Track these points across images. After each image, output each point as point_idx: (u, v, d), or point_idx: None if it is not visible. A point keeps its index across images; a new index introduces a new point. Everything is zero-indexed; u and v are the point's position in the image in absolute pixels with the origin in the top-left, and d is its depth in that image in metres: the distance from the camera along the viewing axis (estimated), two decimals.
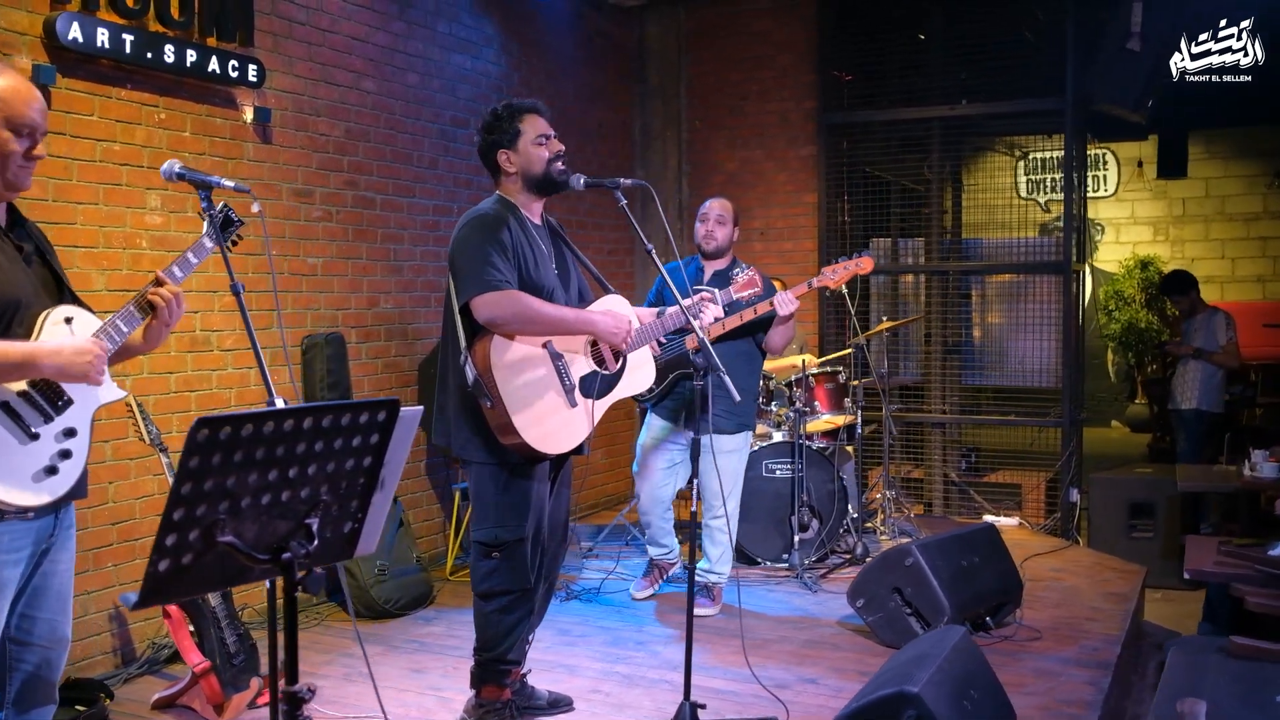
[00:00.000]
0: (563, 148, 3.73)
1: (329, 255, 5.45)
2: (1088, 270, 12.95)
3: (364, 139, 5.68)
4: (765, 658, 4.63)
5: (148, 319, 2.94)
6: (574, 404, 3.60)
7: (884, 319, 6.78)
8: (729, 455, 5.25)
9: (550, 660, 4.60)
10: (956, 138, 7.65)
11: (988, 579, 4.87)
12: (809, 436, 6.41)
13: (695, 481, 3.69)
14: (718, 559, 5.37)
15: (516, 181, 3.69)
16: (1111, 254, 14.24)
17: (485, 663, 3.73)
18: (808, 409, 6.14)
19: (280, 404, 2.63)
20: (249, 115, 4.96)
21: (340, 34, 5.50)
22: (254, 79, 4.85)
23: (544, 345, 3.56)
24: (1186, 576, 4.42)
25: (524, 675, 4.03)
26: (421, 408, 2.50)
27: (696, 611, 5.17)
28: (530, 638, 3.93)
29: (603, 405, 3.70)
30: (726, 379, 3.54)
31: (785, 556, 5.98)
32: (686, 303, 3.84)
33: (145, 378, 4.55)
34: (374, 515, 2.46)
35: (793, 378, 6.29)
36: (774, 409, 6.18)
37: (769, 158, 8.09)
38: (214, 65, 4.66)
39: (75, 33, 4.13)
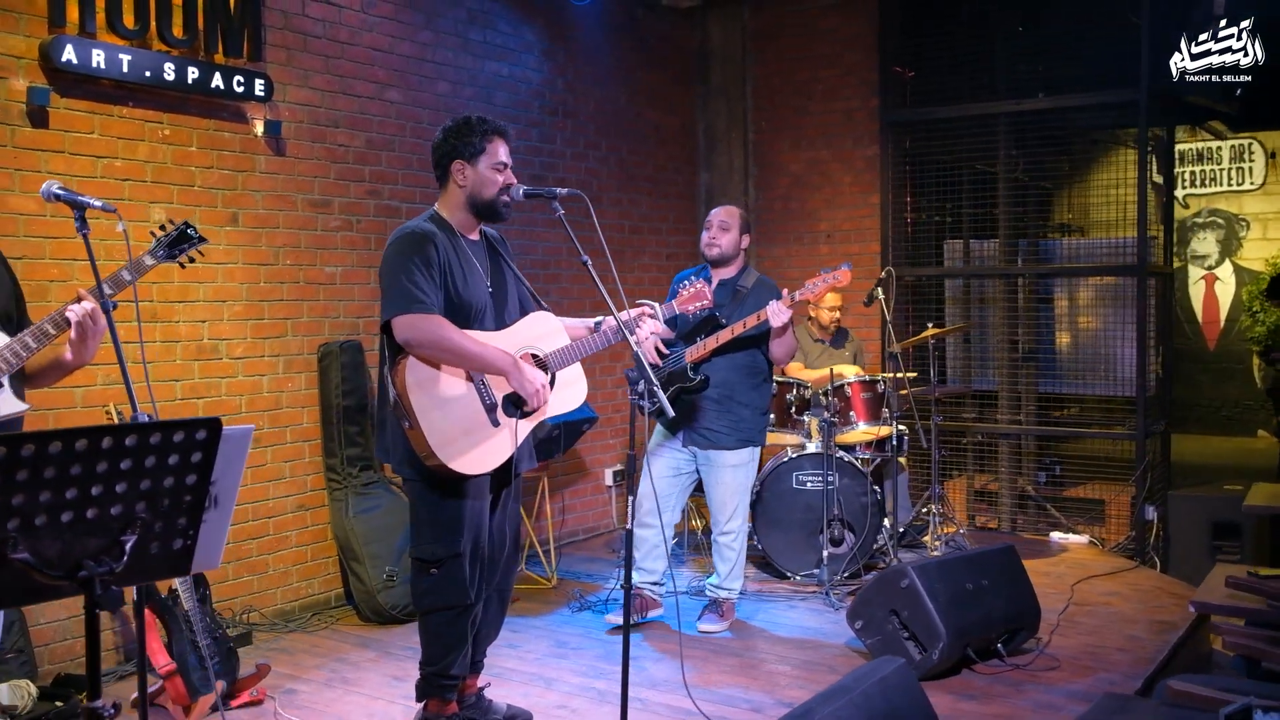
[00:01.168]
0: (514, 182, 3.68)
1: (349, 264, 5.54)
2: (1226, 269, 12.17)
3: (387, 148, 5.75)
4: (751, 680, 4.49)
5: (64, 335, 3.01)
6: (496, 424, 3.56)
7: (929, 325, 6.50)
8: (733, 471, 5.11)
9: (532, 672, 4.56)
10: (1030, 132, 7.25)
11: (997, 603, 4.60)
12: (849, 448, 6.21)
13: (631, 499, 3.58)
14: (726, 575, 5.23)
15: (459, 197, 3.66)
16: (1258, 251, 13.32)
17: (429, 676, 3.71)
18: (836, 418, 5.94)
19: (144, 418, 2.66)
20: (259, 129, 5.08)
21: (361, 46, 5.58)
22: (261, 93, 4.96)
23: None
24: (1191, 610, 4.07)
25: (482, 688, 4.00)
26: (253, 426, 2.48)
27: (704, 628, 5.10)
28: (481, 650, 3.91)
29: (527, 425, 3.64)
30: (660, 393, 3.44)
31: (815, 571, 5.79)
32: (624, 316, 3.76)
33: (150, 384, 4.70)
34: (210, 532, 2.46)
35: (829, 386, 6.10)
36: (807, 419, 5.98)
37: (835, 158, 7.87)
38: (218, 81, 4.79)
39: (69, 55, 4.29)
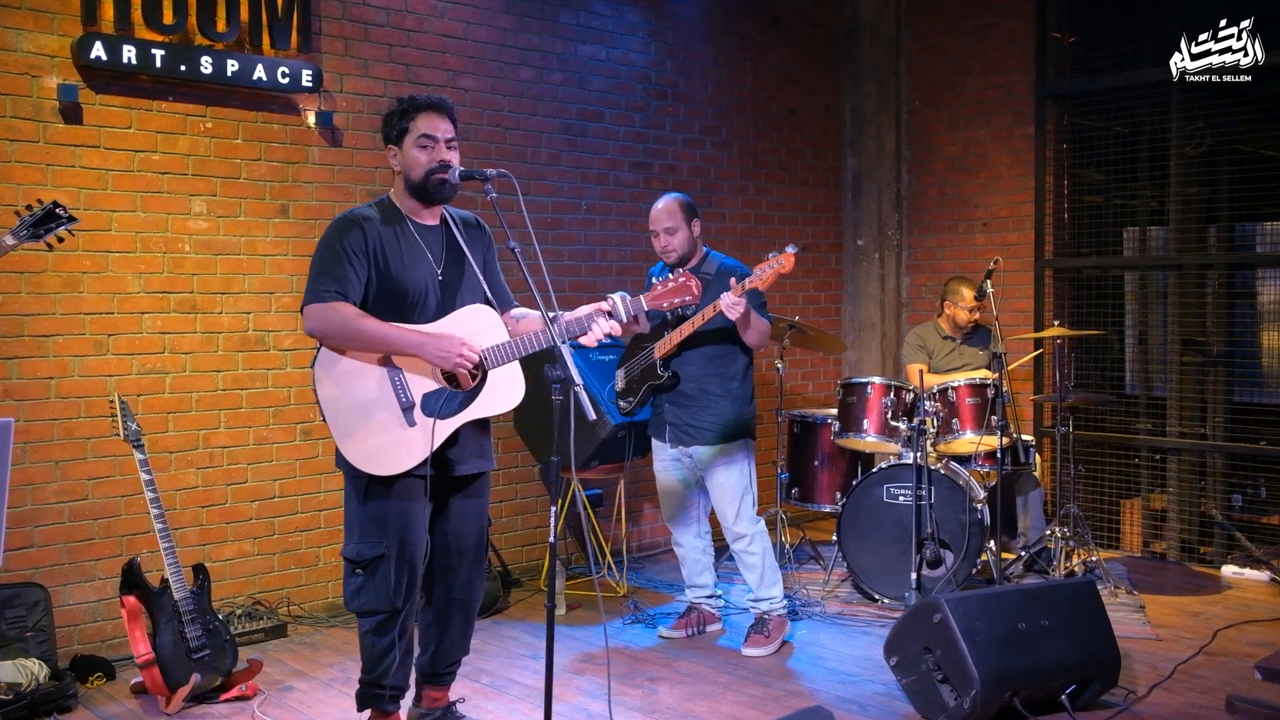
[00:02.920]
0: (449, 156, 3.42)
1: None
2: None
3: (462, 137, 5.55)
4: (764, 715, 4.04)
5: None
6: (411, 423, 3.31)
7: (1055, 324, 5.72)
8: (725, 468, 4.71)
9: (534, 686, 4.30)
10: (1219, 100, 6.24)
11: (1058, 648, 3.92)
12: (964, 459, 5.57)
13: (553, 509, 3.25)
14: (759, 583, 4.78)
15: (400, 181, 3.46)
16: None
17: (363, 684, 3.53)
18: (935, 426, 5.32)
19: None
20: (311, 119, 5.07)
21: (430, 33, 5.48)
22: (309, 84, 4.94)
23: (380, 359, 3.31)
24: (1258, 677, 3.29)
25: (453, 702, 3.79)
26: (11, 420, 2.36)
27: (748, 651, 4.68)
28: (444, 663, 3.69)
29: (448, 425, 3.36)
30: (583, 395, 3.09)
31: (906, 595, 5.20)
32: (580, 312, 3.43)
33: (189, 375, 4.78)
34: None
35: (934, 389, 5.48)
36: (902, 426, 5.39)
37: (993, 138, 7.12)
38: (260, 74, 4.79)
39: (99, 51, 4.40)
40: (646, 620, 5.16)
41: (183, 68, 4.60)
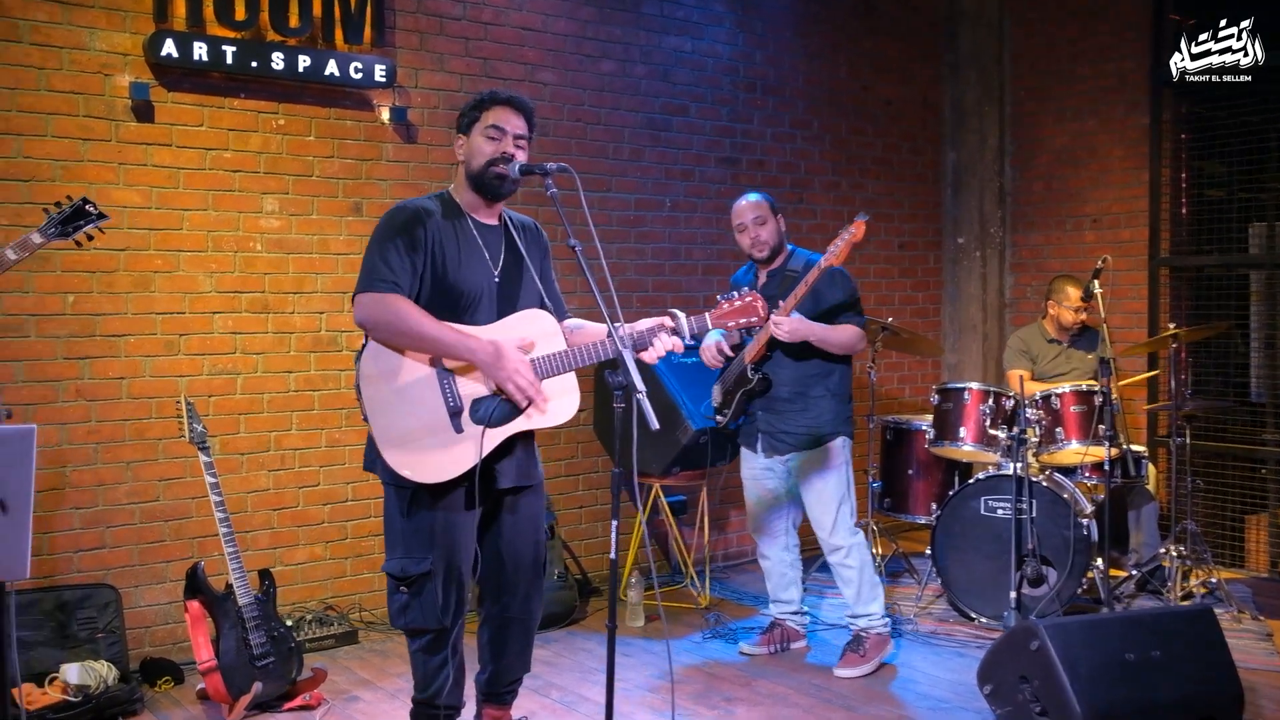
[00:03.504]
0: (514, 152, 3.25)
1: None
2: None
3: (540, 133, 5.43)
4: None
5: None
6: (459, 429, 3.14)
7: (1171, 326, 5.32)
8: (821, 474, 4.47)
9: (599, 703, 4.10)
10: None
11: (1173, 682, 3.58)
12: (1069, 470, 5.22)
13: (614, 523, 3.06)
14: (856, 598, 4.52)
15: (461, 172, 3.30)
16: None
17: (416, 704, 3.38)
18: (1037, 436, 4.99)
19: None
20: (385, 115, 4.96)
21: (508, 26, 5.34)
22: (382, 79, 4.83)
23: (430, 359, 3.14)
24: None
25: None
26: (34, 427, 2.25)
27: (841, 672, 4.43)
28: (504, 682, 3.52)
29: (497, 435, 3.18)
30: (645, 402, 2.89)
31: (1005, 615, 4.88)
32: (641, 326, 3.24)
33: (261, 376, 4.71)
34: (6, 539, 2.26)
35: (1037, 396, 5.15)
36: (1002, 435, 5.06)
37: (1103, 129, 6.71)
38: (332, 69, 4.71)
39: (170, 49, 4.35)
40: (727, 635, 4.93)
41: (254, 64, 4.53)
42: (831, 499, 4.44)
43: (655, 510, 5.72)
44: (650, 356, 3.29)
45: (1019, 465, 4.85)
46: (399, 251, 3.13)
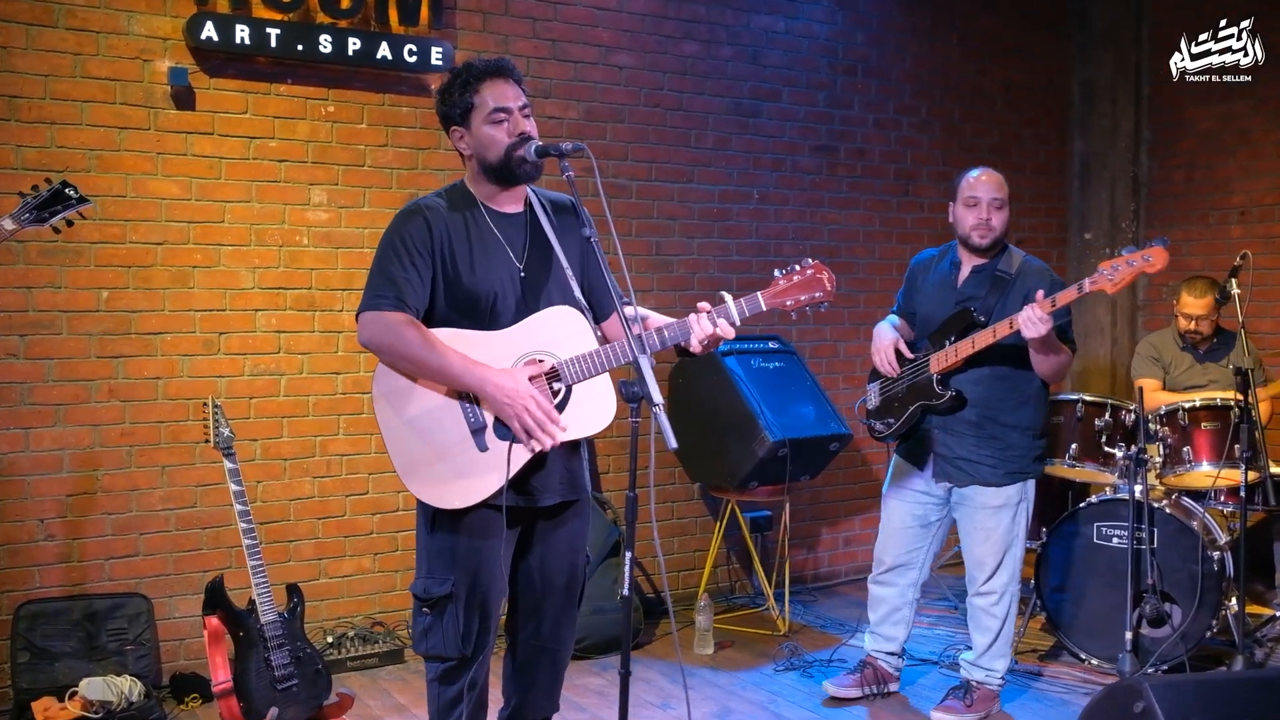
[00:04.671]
0: (528, 127, 2.88)
1: None
2: None
3: (614, 119, 5.11)
4: None
5: None
6: (483, 447, 2.79)
7: None
8: (996, 513, 3.91)
9: None
10: None
11: None
12: (1199, 495, 4.60)
13: (629, 556, 2.68)
14: (985, 650, 3.99)
15: (473, 166, 2.92)
16: None
17: None
18: (1161, 455, 4.39)
19: None
20: None
21: (580, 5, 4.99)
22: (439, 62, 4.53)
23: None
24: None
25: None
26: None
27: (938, 716, 3.97)
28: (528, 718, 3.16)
29: (525, 450, 2.81)
30: (663, 418, 2.51)
31: (1120, 658, 4.30)
32: (664, 321, 2.85)
33: (306, 377, 4.47)
34: None
35: (1161, 410, 4.55)
36: (1119, 453, 4.46)
37: (1257, 110, 5.99)
38: (384, 52, 4.43)
39: (210, 32, 4.13)
40: (802, 668, 4.48)
41: (300, 47, 4.28)
42: (1001, 541, 3.92)
43: (734, 526, 5.30)
44: (695, 345, 2.88)
45: (1138, 488, 4.27)
46: (401, 262, 2.79)
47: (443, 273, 2.83)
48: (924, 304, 4.06)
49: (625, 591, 2.72)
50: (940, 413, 3.93)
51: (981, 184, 3.92)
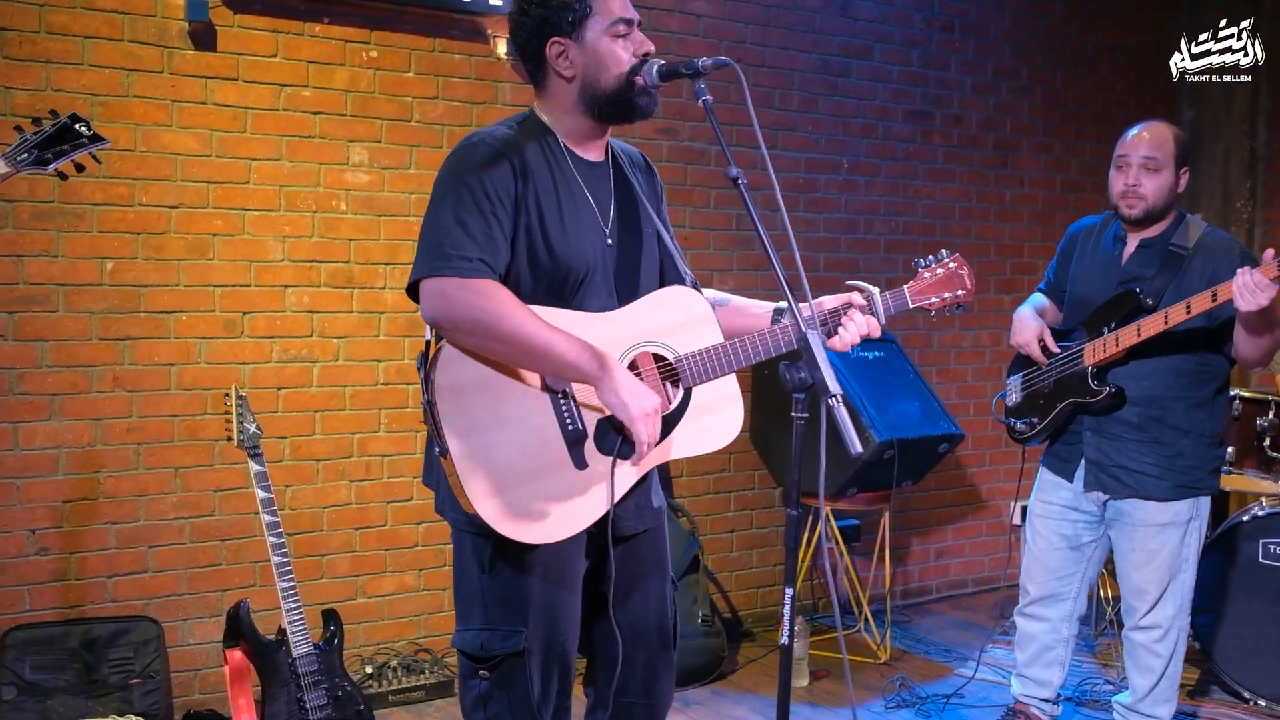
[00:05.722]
0: (652, 47, 2.26)
1: None
2: None
3: (693, 71, 4.46)
4: None
5: None
6: (581, 464, 2.16)
7: None
8: (1161, 533, 3.25)
9: None
10: None
11: None
12: None
13: (787, 594, 2.06)
14: (1146, 694, 3.33)
15: (569, 94, 2.27)
16: None
17: None
18: None
19: None
20: (501, 49, 4.05)
21: None
22: (497, 2, 3.92)
23: None
24: None
25: None
26: None
27: None
28: None
29: (632, 472, 2.20)
30: (841, 410, 1.90)
31: None
32: (827, 303, 2.31)
33: (343, 365, 3.86)
34: None
35: None
36: None
37: None
38: None
39: None
40: (916, 704, 3.87)
41: None
42: (1167, 565, 3.25)
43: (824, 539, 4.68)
44: (839, 344, 2.32)
45: None
46: (483, 212, 2.14)
47: (526, 236, 2.20)
48: (1080, 283, 3.43)
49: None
50: (1095, 412, 3.29)
51: (1133, 142, 3.28)
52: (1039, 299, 3.54)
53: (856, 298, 2.37)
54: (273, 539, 3.13)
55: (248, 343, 3.70)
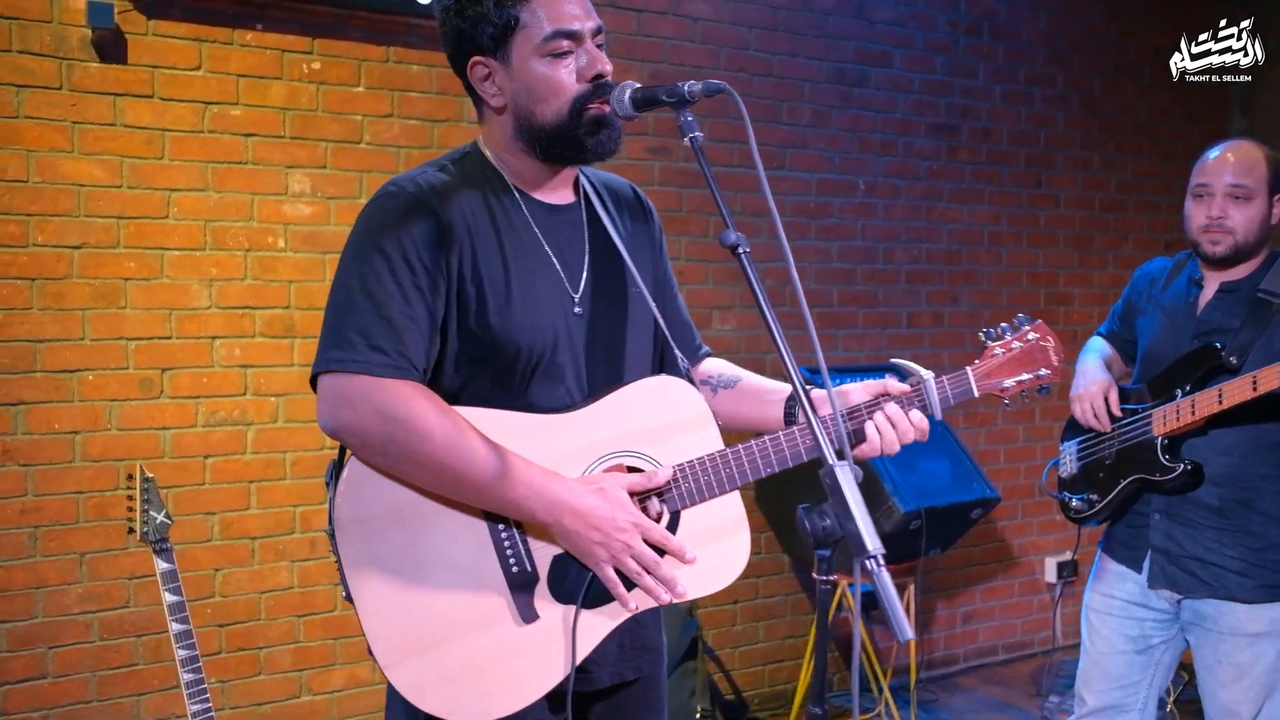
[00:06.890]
0: (607, 67, 1.71)
1: None
2: None
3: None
4: None
5: None
6: (528, 616, 1.64)
7: None
8: (1253, 644, 2.65)
9: None
10: None
11: None
12: None
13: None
14: None
15: (504, 128, 1.72)
16: None
17: None
18: None
19: None
20: None
21: None
22: None
23: None
24: None
25: None
26: None
27: None
28: None
29: (603, 620, 1.68)
30: (885, 576, 1.37)
31: None
32: (822, 395, 1.74)
33: (282, 428, 3.33)
34: None
35: None
36: None
37: None
38: None
39: None
40: None
41: None
42: (1261, 684, 2.64)
43: (838, 607, 4.15)
44: (871, 450, 1.79)
45: None
46: (400, 285, 1.62)
47: (459, 313, 1.67)
48: (1149, 334, 2.87)
49: None
50: (1166, 491, 2.73)
51: (1215, 166, 2.72)
52: (1103, 346, 2.98)
53: (893, 385, 1.84)
54: (182, 652, 2.58)
55: (168, 404, 3.17)
